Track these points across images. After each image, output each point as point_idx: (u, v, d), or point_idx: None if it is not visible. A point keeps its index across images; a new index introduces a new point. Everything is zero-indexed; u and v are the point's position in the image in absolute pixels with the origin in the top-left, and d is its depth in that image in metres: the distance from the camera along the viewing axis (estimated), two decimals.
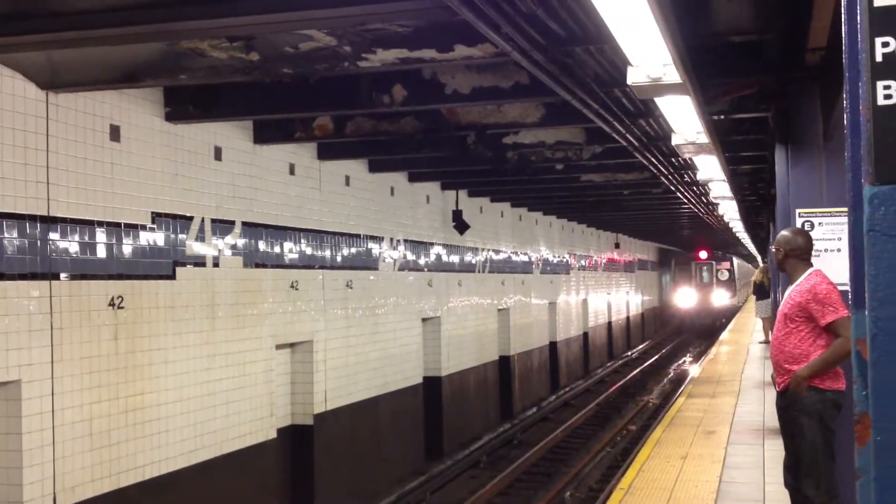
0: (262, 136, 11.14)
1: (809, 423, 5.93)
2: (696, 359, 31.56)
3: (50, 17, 5.92)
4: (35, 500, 7.87)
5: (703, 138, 7.69)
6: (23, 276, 7.80)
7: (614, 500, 8.45)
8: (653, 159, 11.88)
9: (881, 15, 1.96)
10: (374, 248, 14.84)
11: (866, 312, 2.00)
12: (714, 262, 46.41)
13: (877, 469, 2.00)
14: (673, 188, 15.65)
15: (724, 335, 29.81)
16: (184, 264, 9.92)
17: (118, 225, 8.94)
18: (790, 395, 6.09)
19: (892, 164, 1.92)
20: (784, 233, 6.42)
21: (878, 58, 1.94)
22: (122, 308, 8.89)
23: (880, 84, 1.94)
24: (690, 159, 9.90)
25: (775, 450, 9.72)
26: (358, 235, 14.26)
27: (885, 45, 1.94)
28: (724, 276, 46.24)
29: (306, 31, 6.70)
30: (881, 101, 1.93)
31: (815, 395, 5.89)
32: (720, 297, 46.05)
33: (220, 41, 6.95)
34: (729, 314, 44.57)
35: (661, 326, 48.98)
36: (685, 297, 46.18)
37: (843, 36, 2.20)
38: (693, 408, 13.84)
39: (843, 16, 2.20)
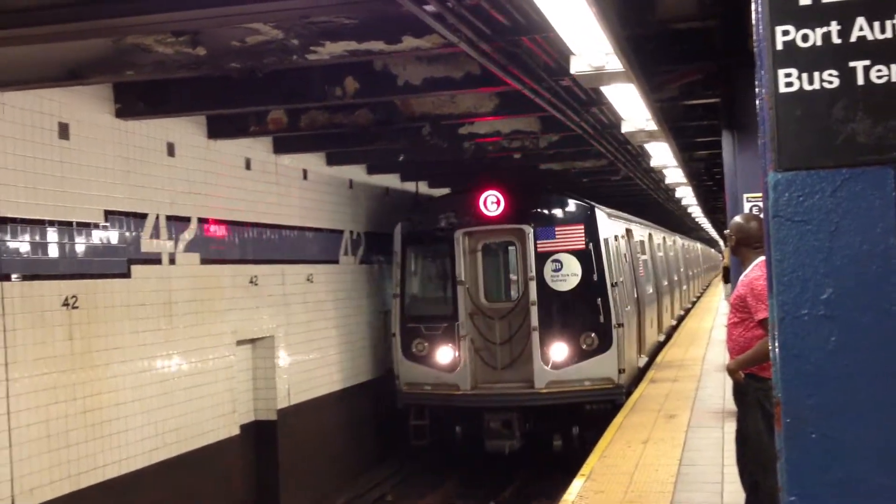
0: (216, 130, 11.06)
1: (752, 412, 5.96)
2: None
3: None
4: None
5: (653, 125, 7.75)
6: None
7: (575, 487, 8.49)
8: (609, 147, 11.96)
9: (781, 3, 1.99)
10: (335, 241, 14.79)
11: (774, 297, 2.04)
12: (532, 228, 13.96)
13: (787, 450, 2.04)
14: (631, 175, 15.76)
15: None
16: (139, 262, 9.84)
17: (70, 224, 8.84)
18: (734, 385, 6.15)
19: (793, 151, 1.96)
20: (737, 219, 6.36)
21: (779, 46, 1.98)
22: (77, 308, 8.80)
23: (781, 72, 1.97)
24: (642, 146, 9.97)
25: (735, 432, 9.81)
26: (319, 229, 14.20)
27: (786, 33, 1.97)
28: (569, 276, 13.89)
29: (252, 24, 6.67)
30: (782, 89, 1.97)
31: (755, 384, 5.92)
32: (557, 353, 13.77)
33: (166, 36, 6.90)
34: (587, 415, 13.78)
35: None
36: (437, 353, 14.14)
37: (753, 24, 2.23)
38: (655, 393, 13.95)
39: (752, 5, 2.23)
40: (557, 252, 13.74)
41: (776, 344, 2.04)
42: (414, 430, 14.29)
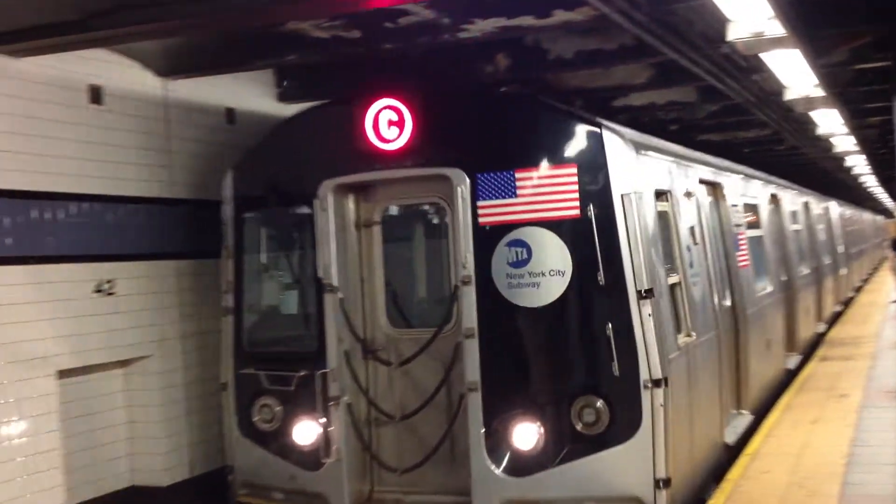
0: None
1: None
2: None
3: (157, 5, 6.15)
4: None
5: (819, 91, 7.39)
6: (154, 257, 8.17)
7: (740, 466, 8.30)
8: (772, 116, 11.51)
9: None
10: None
11: None
12: (467, 173, 6.81)
13: None
14: (797, 144, 15.11)
15: None
16: None
17: None
18: None
19: None
20: None
21: None
22: None
23: None
24: (808, 114, 9.53)
25: None
26: None
27: None
28: (546, 277, 6.67)
29: (404, 5, 6.76)
30: None
31: None
32: (522, 440, 6.70)
33: (322, 20, 7.09)
34: None
35: None
36: (293, 429, 7.33)
37: None
38: (825, 371, 13.39)
39: None
40: (520, 223, 6.74)
41: None
42: None
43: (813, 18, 6.35)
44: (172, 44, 7.97)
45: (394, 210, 7.57)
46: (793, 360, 13.06)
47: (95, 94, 7.68)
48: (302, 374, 7.19)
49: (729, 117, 12.92)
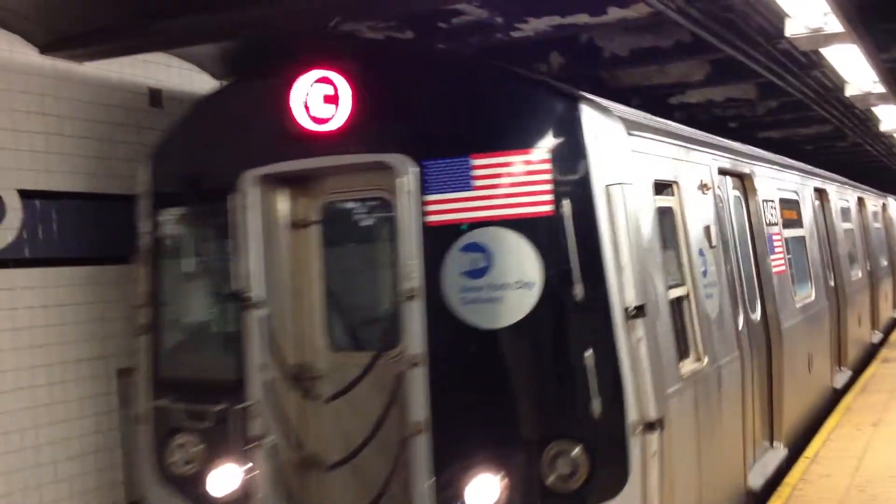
0: None
1: None
2: None
3: (211, 7, 6.24)
4: None
5: (881, 87, 7.24)
6: None
7: (798, 469, 8.18)
8: (833, 112, 11.29)
9: None
10: None
11: None
12: (415, 161, 5.48)
13: None
14: (860, 141, 14.81)
15: None
16: None
17: None
18: None
19: None
20: None
21: None
22: None
23: None
24: (870, 109, 9.34)
25: None
26: None
27: None
28: (510, 289, 5.31)
29: (457, 5, 6.78)
30: None
31: None
32: (478, 497, 5.29)
33: (376, 21, 7.14)
34: None
35: None
36: (210, 475, 6.02)
37: None
38: (887, 373, 13.12)
39: None
40: (478, 223, 5.42)
41: None
42: None
43: (873, 13, 6.23)
44: (228, 47, 8.08)
45: (337, 206, 6.11)
46: (841, 378, 11.72)
47: (155, 97, 7.82)
48: (219, 408, 5.98)
49: (788, 114, 12.71)
